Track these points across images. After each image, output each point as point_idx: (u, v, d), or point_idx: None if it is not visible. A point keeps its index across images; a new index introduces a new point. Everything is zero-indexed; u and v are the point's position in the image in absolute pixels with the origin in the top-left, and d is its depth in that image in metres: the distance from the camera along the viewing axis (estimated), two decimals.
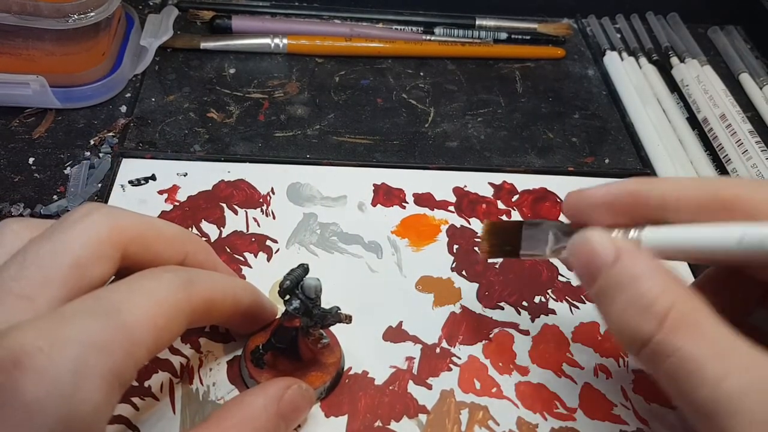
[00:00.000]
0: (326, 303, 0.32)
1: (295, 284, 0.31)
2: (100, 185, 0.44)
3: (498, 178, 0.48)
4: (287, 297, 0.31)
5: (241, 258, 0.40)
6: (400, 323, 0.38)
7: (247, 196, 0.44)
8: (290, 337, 0.32)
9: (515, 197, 0.47)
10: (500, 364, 0.37)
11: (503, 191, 0.47)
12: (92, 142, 0.47)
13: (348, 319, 0.32)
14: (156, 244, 0.29)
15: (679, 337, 0.22)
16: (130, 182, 0.44)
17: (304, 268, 0.32)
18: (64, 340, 0.22)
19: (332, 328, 0.34)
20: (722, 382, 0.21)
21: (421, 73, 0.57)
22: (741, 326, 0.23)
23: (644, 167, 0.51)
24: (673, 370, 0.22)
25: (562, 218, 0.33)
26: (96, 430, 0.22)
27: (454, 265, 0.42)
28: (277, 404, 0.29)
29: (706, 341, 0.22)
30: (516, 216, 0.45)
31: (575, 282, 0.42)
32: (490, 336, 0.38)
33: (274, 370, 0.33)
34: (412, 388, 0.35)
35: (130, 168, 0.45)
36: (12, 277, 0.25)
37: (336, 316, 0.32)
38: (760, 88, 0.58)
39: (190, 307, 0.27)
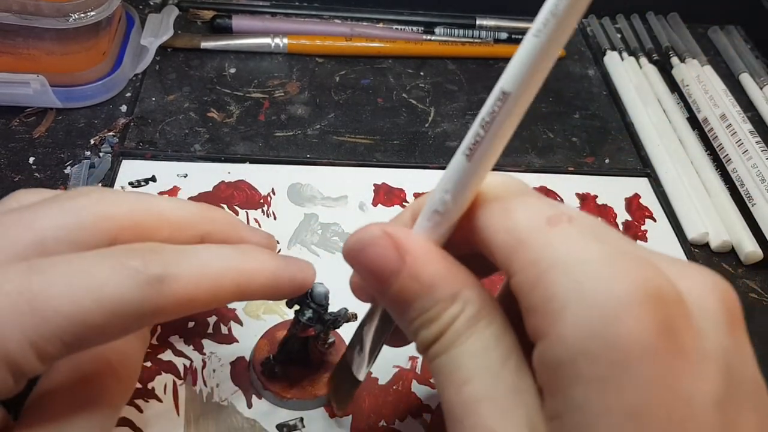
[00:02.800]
0: (330, 304, 0.32)
1: (304, 294, 0.31)
2: (100, 185, 0.44)
3: None
4: (297, 308, 0.31)
5: None
6: None
7: (247, 197, 0.44)
8: (301, 345, 0.32)
9: None
10: None
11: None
12: (92, 142, 0.47)
13: (354, 316, 0.32)
14: (157, 232, 0.27)
15: (458, 345, 0.21)
16: (130, 184, 0.44)
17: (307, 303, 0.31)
18: None
19: (338, 331, 0.34)
20: (464, 386, 0.21)
21: (422, 73, 0.57)
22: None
23: (644, 167, 0.51)
24: (437, 369, 0.22)
25: None
26: None
27: None
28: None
29: (474, 349, 0.21)
30: None
31: None
32: None
33: (286, 378, 0.33)
34: (416, 388, 0.35)
35: (130, 169, 0.45)
36: None
37: (345, 317, 0.32)
38: (761, 88, 0.59)
39: (153, 309, 0.23)
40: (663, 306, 0.18)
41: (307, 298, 0.30)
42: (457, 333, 0.21)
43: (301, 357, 0.33)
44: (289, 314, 0.37)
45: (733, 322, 0.20)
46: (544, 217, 0.21)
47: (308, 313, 0.31)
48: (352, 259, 0.24)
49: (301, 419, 0.33)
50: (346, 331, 0.35)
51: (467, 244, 0.23)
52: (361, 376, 0.28)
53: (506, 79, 0.20)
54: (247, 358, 0.35)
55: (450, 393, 0.21)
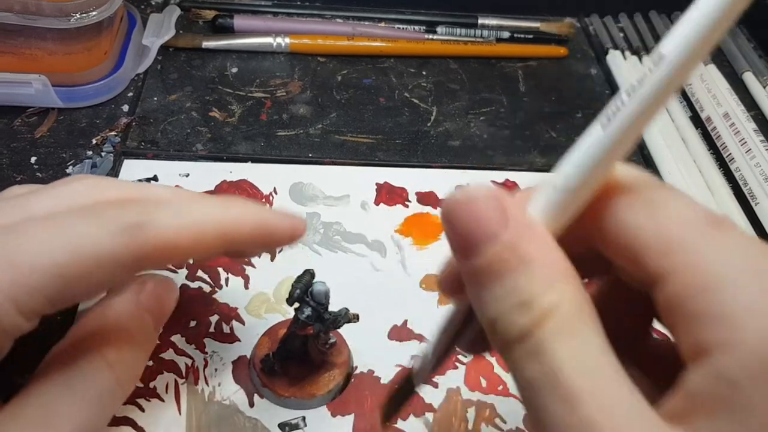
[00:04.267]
0: (331, 303, 0.32)
1: (304, 292, 0.31)
2: None
3: (500, 176, 0.48)
4: (297, 305, 0.31)
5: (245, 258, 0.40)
6: (405, 322, 0.38)
7: (249, 197, 0.44)
8: (301, 344, 0.32)
9: None
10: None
11: (506, 189, 0.47)
12: (94, 142, 0.47)
13: (356, 318, 0.32)
14: None
15: (556, 345, 0.18)
16: None
17: (311, 274, 0.31)
18: None
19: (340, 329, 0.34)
20: (580, 407, 0.17)
21: (424, 72, 0.57)
22: (640, 351, 0.20)
23: (647, 166, 0.51)
24: (535, 378, 0.18)
25: None
26: None
27: None
28: (136, 297, 0.27)
29: (579, 357, 0.18)
30: None
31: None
32: None
33: (286, 376, 0.33)
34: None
35: (132, 169, 0.45)
36: None
37: (346, 317, 0.32)
38: (764, 87, 0.58)
39: (132, 257, 0.23)
40: None
41: (306, 297, 0.31)
42: (554, 332, 0.18)
43: (301, 355, 0.33)
44: (291, 313, 0.36)
45: None
46: (702, 217, 0.19)
47: (307, 311, 0.31)
48: (449, 213, 0.20)
49: (303, 418, 0.33)
50: (349, 333, 0.35)
51: (579, 240, 0.21)
52: (418, 382, 0.26)
53: (667, 43, 0.17)
54: (249, 357, 0.35)
55: (556, 412, 0.18)
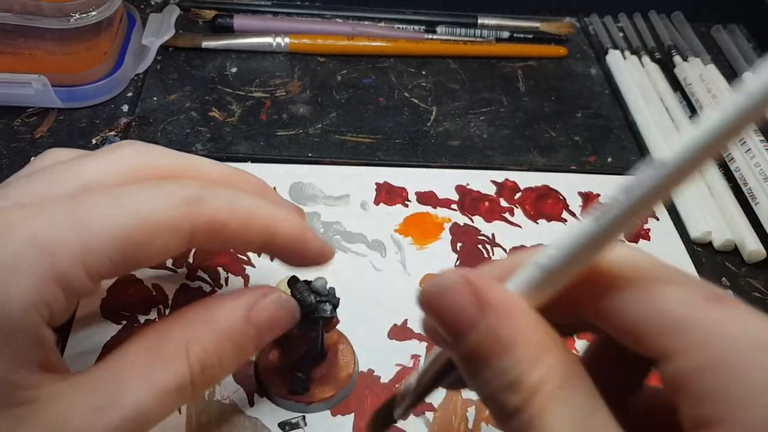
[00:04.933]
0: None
1: (314, 293, 0.31)
2: None
3: (500, 176, 0.48)
4: (314, 310, 0.31)
5: (245, 257, 0.40)
6: (405, 321, 0.38)
7: None
8: (321, 343, 0.32)
9: (518, 195, 0.47)
10: None
11: (506, 189, 0.47)
12: (94, 142, 0.47)
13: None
14: None
15: (545, 417, 0.19)
16: None
17: (298, 279, 0.31)
18: (9, 233, 0.21)
19: (340, 327, 0.34)
20: None
21: (423, 72, 0.57)
22: (621, 408, 0.21)
23: None
24: None
25: None
26: (28, 329, 0.21)
27: (457, 263, 0.42)
28: (247, 309, 0.26)
29: (567, 425, 0.19)
30: (519, 213, 0.45)
31: None
32: None
33: (312, 383, 0.34)
34: None
35: None
36: (15, 186, 0.25)
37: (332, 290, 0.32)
38: None
39: (189, 227, 0.24)
40: None
41: (315, 297, 0.30)
42: (543, 404, 0.19)
43: (323, 354, 0.33)
44: None
45: None
46: (702, 295, 0.19)
47: (327, 307, 0.31)
48: (426, 304, 0.21)
49: (303, 417, 0.33)
50: (350, 332, 0.35)
51: (572, 312, 0.22)
52: (396, 416, 0.27)
53: (670, 151, 0.18)
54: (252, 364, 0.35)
55: None
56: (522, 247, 0.43)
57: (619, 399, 0.22)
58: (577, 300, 0.21)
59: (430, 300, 0.21)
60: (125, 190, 0.24)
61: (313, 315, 0.30)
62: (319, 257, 0.29)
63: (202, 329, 0.25)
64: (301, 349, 0.32)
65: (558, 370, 0.19)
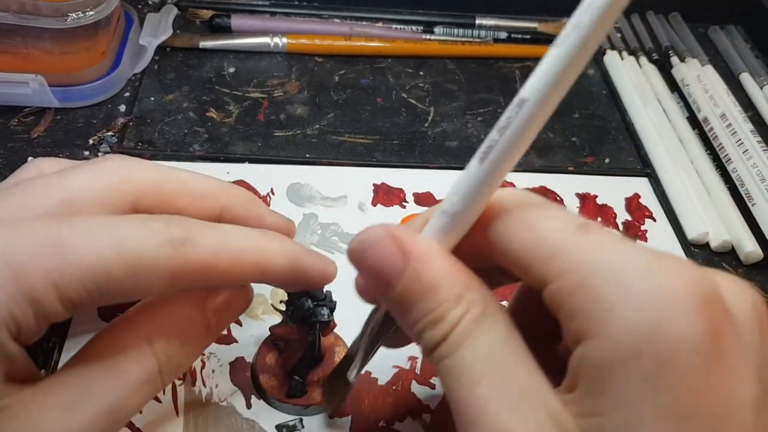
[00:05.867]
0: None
1: (312, 298, 0.31)
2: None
3: None
4: (311, 314, 0.31)
5: None
6: None
7: None
8: (319, 346, 0.32)
9: None
10: None
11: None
12: (91, 142, 0.47)
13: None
14: (177, 198, 0.28)
15: (463, 346, 0.21)
16: None
17: (297, 294, 0.31)
18: None
19: (339, 332, 0.34)
20: (475, 386, 0.20)
21: (421, 73, 0.57)
22: (550, 357, 0.22)
23: (644, 167, 0.51)
24: (446, 371, 0.21)
25: None
26: None
27: None
28: (202, 297, 0.26)
29: (481, 349, 0.21)
30: None
31: None
32: None
33: (310, 385, 0.34)
34: (416, 388, 0.35)
35: None
36: None
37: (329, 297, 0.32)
38: (761, 88, 0.58)
39: (172, 270, 0.23)
40: (711, 308, 0.18)
41: (313, 302, 0.30)
42: (463, 334, 0.21)
43: (320, 357, 0.34)
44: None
45: (764, 326, 0.20)
46: (573, 225, 0.21)
47: (325, 311, 0.31)
48: (356, 260, 0.23)
49: (301, 420, 0.33)
50: (346, 334, 0.35)
51: (480, 257, 0.23)
52: (352, 378, 0.28)
53: (526, 87, 0.20)
54: (247, 359, 0.35)
55: (461, 394, 0.21)
56: None
57: (546, 348, 0.24)
58: (479, 241, 0.23)
59: (359, 255, 0.23)
60: (110, 222, 0.23)
61: (311, 319, 0.30)
62: (320, 280, 0.29)
63: (163, 321, 0.25)
64: (298, 352, 0.32)
65: (477, 305, 0.22)
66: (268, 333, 0.34)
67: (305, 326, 0.31)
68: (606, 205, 0.47)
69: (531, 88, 0.20)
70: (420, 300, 0.22)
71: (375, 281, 0.23)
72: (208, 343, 0.28)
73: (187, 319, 0.26)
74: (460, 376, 0.21)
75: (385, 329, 0.27)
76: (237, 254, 0.25)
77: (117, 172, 0.27)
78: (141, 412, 0.32)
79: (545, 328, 0.24)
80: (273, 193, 0.44)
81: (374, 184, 0.46)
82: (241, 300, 0.28)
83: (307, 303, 0.30)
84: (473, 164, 0.21)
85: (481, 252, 0.23)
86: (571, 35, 0.19)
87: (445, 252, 0.23)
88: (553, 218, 0.22)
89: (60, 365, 0.33)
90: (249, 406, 0.34)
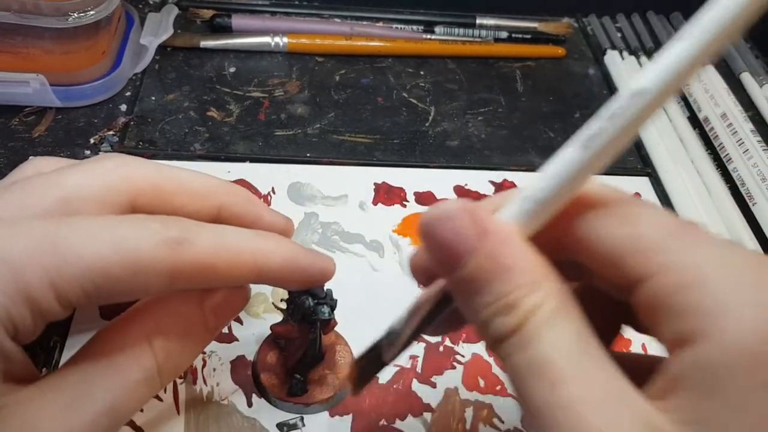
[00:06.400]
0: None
1: (312, 296, 0.31)
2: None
3: (498, 176, 0.48)
4: (312, 312, 0.31)
5: None
6: None
7: None
8: (320, 345, 0.32)
9: None
10: None
11: (504, 189, 0.47)
12: (92, 141, 0.47)
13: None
14: (176, 197, 0.28)
15: (541, 338, 0.20)
16: None
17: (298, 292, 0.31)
18: None
19: (339, 330, 0.34)
20: (558, 386, 0.19)
21: (422, 72, 0.57)
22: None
23: (645, 166, 0.51)
24: (522, 365, 0.20)
25: None
26: None
27: None
28: (201, 295, 0.26)
29: (562, 343, 0.20)
30: None
31: None
32: None
33: (310, 384, 0.34)
34: (417, 387, 0.35)
35: None
36: None
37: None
38: (761, 87, 0.58)
39: (170, 271, 0.23)
40: None
41: (314, 300, 0.30)
42: (540, 325, 0.20)
43: (321, 356, 0.34)
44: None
45: None
46: (676, 224, 0.20)
47: (326, 309, 0.31)
48: (427, 232, 0.22)
49: (302, 418, 0.33)
50: (347, 333, 0.35)
51: (557, 249, 0.22)
52: (388, 359, 0.27)
53: (647, 77, 0.19)
54: (248, 358, 0.35)
55: (540, 393, 0.19)
56: None
57: (607, 339, 0.23)
58: (560, 233, 0.22)
59: (433, 226, 0.21)
60: (108, 222, 0.23)
61: (311, 318, 0.30)
62: (318, 278, 0.28)
63: (162, 320, 0.25)
64: (299, 351, 0.32)
65: (554, 296, 0.20)
66: (269, 332, 0.34)
67: (306, 324, 0.31)
68: None
69: (652, 78, 0.19)
70: (492, 281, 0.20)
71: (443, 256, 0.21)
72: (207, 341, 0.28)
73: (185, 318, 0.26)
74: (539, 373, 0.19)
75: (436, 312, 0.25)
76: (234, 254, 0.25)
77: (115, 171, 0.26)
78: (142, 411, 0.32)
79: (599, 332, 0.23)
80: (274, 193, 0.44)
81: (375, 184, 0.46)
82: (238, 298, 0.28)
83: (307, 301, 0.30)
84: (571, 151, 0.20)
85: (560, 244, 0.22)
86: (707, 25, 0.18)
87: (524, 237, 0.21)
88: (655, 215, 0.21)
89: (61, 364, 0.33)
90: (250, 404, 0.34)
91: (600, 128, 0.19)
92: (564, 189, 0.21)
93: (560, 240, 0.22)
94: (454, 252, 0.21)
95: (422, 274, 0.25)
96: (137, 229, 0.23)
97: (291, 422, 0.33)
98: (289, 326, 0.32)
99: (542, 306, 0.20)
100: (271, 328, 0.33)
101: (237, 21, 0.57)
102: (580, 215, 0.22)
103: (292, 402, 0.33)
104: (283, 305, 0.32)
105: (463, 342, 0.38)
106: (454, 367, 0.36)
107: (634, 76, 0.19)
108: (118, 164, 0.27)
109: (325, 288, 0.31)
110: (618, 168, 0.50)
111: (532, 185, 0.21)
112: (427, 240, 0.22)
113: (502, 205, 0.22)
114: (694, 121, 0.54)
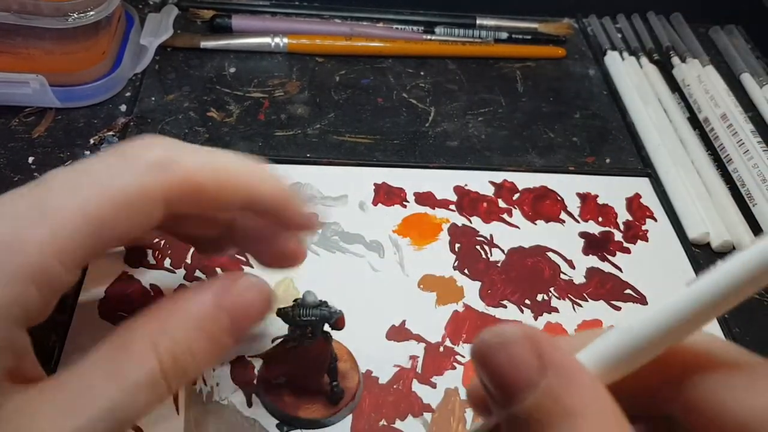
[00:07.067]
0: (329, 303, 0.32)
1: (308, 308, 0.31)
2: None
3: (499, 176, 0.48)
4: (323, 317, 0.30)
5: (243, 258, 0.40)
6: (403, 322, 0.38)
7: None
8: (331, 347, 0.33)
9: (516, 195, 0.47)
10: None
11: (504, 189, 0.47)
12: (92, 142, 0.47)
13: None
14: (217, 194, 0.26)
15: None
16: None
17: (291, 306, 0.31)
18: None
19: (339, 336, 0.34)
20: None
21: (422, 73, 0.57)
22: None
23: (645, 167, 0.51)
24: None
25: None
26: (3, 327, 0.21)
27: (456, 264, 0.42)
28: (217, 295, 0.25)
29: None
30: (517, 214, 0.45)
31: (578, 280, 0.42)
32: None
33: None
34: (417, 387, 0.35)
35: None
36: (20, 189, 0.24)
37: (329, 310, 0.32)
38: (761, 88, 0.58)
39: (162, 193, 0.23)
40: None
41: (309, 310, 0.30)
42: None
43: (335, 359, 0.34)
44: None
45: None
46: None
47: (319, 311, 0.31)
48: (483, 357, 0.19)
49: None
50: (347, 333, 0.35)
51: (645, 400, 0.20)
52: None
53: (643, 317, 0.17)
54: (248, 358, 0.35)
55: None
56: (520, 248, 0.43)
57: None
58: (653, 387, 0.19)
59: (487, 352, 0.19)
60: (86, 165, 0.23)
61: (320, 321, 0.30)
62: (303, 222, 0.28)
63: (170, 320, 0.24)
64: (316, 361, 0.32)
65: None
66: (268, 338, 0.34)
67: (316, 331, 0.31)
68: (607, 205, 0.47)
69: (644, 321, 0.17)
70: (552, 426, 0.17)
71: (498, 388, 0.18)
72: (224, 345, 0.25)
73: (198, 320, 0.24)
74: None
75: None
76: (223, 174, 0.24)
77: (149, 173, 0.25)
78: None
79: None
80: None
81: (375, 184, 0.46)
82: (260, 301, 0.26)
83: (310, 315, 0.30)
84: (684, 291, 0.17)
85: (648, 394, 0.20)
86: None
87: (597, 378, 0.18)
88: None
89: (60, 364, 0.33)
90: (250, 404, 0.34)
91: (724, 270, 0.17)
92: (661, 333, 0.18)
93: (649, 395, 0.19)
94: (509, 383, 0.18)
95: (478, 403, 0.22)
96: (116, 163, 0.23)
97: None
98: (280, 364, 0.32)
99: None
100: (270, 370, 0.33)
101: (237, 21, 0.57)
102: (688, 372, 0.19)
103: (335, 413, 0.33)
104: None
105: (464, 342, 0.37)
106: (454, 368, 0.36)
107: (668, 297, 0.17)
108: (154, 161, 0.25)
109: (316, 298, 0.31)
110: (618, 168, 0.50)
111: (625, 323, 0.18)
112: (480, 367, 0.19)
113: (580, 345, 0.19)
114: (695, 121, 0.54)
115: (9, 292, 0.20)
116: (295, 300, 0.31)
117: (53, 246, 0.21)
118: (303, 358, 0.32)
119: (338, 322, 0.31)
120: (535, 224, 0.45)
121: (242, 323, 0.25)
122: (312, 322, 0.30)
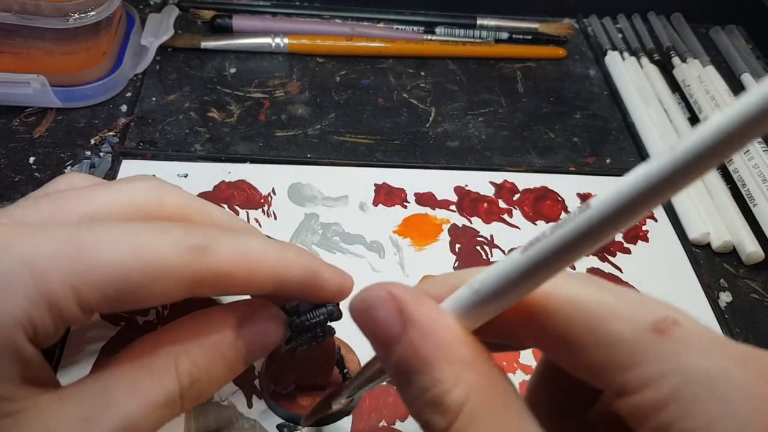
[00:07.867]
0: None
1: (314, 310, 0.30)
2: None
3: (499, 177, 0.48)
4: (323, 319, 0.30)
5: None
6: None
7: (248, 197, 0.44)
8: (336, 345, 0.32)
9: (516, 196, 0.47)
10: (504, 362, 0.37)
11: (504, 190, 0.47)
12: (93, 142, 0.47)
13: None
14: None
15: None
16: None
17: (294, 308, 0.31)
18: (3, 250, 0.21)
19: (339, 333, 0.34)
20: None
21: (422, 73, 0.57)
22: (580, 422, 0.21)
23: None
24: None
25: None
26: (12, 346, 0.21)
27: (456, 264, 0.42)
28: (237, 323, 0.26)
29: None
30: (517, 214, 0.45)
31: None
32: None
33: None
34: None
35: (131, 169, 0.45)
36: (22, 206, 0.24)
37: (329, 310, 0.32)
38: None
39: (191, 277, 0.23)
40: None
41: (309, 314, 0.30)
42: (466, 424, 0.19)
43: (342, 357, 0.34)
44: None
45: None
46: (647, 325, 0.19)
47: (310, 315, 0.30)
48: (355, 318, 0.22)
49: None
50: (346, 333, 0.35)
51: (523, 338, 0.22)
52: (333, 404, 0.28)
53: (597, 198, 0.17)
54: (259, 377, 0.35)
55: None
56: None
57: (579, 409, 0.23)
58: (519, 328, 0.21)
59: (358, 314, 0.21)
60: (130, 228, 0.23)
61: (322, 322, 0.30)
62: (336, 293, 0.28)
63: (191, 343, 0.25)
64: (331, 353, 0.32)
65: (480, 389, 0.19)
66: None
67: (325, 328, 0.31)
68: None
69: (600, 199, 0.17)
70: (416, 374, 0.19)
71: (374, 343, 0.21)
72: (236, 372, 0.27)
73: (217, 345, 0.25)
74: None
75: (376, 378, 0.25)
76: (255, 263, 0.25)
77: (146, 193, 0.26)
78: None
79: (575, 393, 0.23)
80: (274, 193, 0.44)
81: (375, 184, 0.46)
82: (275, 332, 0.27)
83: (312, 314, 0.30)
84: (515, 253, 0.19)
85: (512, 333, 0.21)
86: (667, 157, 0.16)
87: (452, 324, 0.20)
88: (624, 316, 0.19)
89: (60, 365, 0.33)
90: (250, 405, 0.34)
91: (542, 234, 0.18)
92: (503, 288, 0.19)
93: (518, 334, 0.22)
94: (379, 340, 0.21)
95: None
96: (159, 235, 0.23)
97: (291, 423, 0.33)
98: (292, 373, 0.32)
99: (467, 402, 0.19)
100: (278, 383, 0.33)
101: (238, 22, 0.57)
102: (545, 321, 0.21)
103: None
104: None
105: None
106: None
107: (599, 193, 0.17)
108: (150, 187, 0.27)
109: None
110: (619, 169, 0.50)
111: (477, 276, 0.20)
112: (357, 325, 0.22)
113: (456, 286, 0.21)
114: (695, 122, 0.54)
115: (26, 312, 0.21)
116: (283, 307, 0.31)
117: (76, 285, 0.21)
118: (310, 359, 0.32)
119: (339, 313, 0.31)
120: (536, 225, 0.45)
121: (257, 353, 0.26)
122: (321, 322, 0.30)
